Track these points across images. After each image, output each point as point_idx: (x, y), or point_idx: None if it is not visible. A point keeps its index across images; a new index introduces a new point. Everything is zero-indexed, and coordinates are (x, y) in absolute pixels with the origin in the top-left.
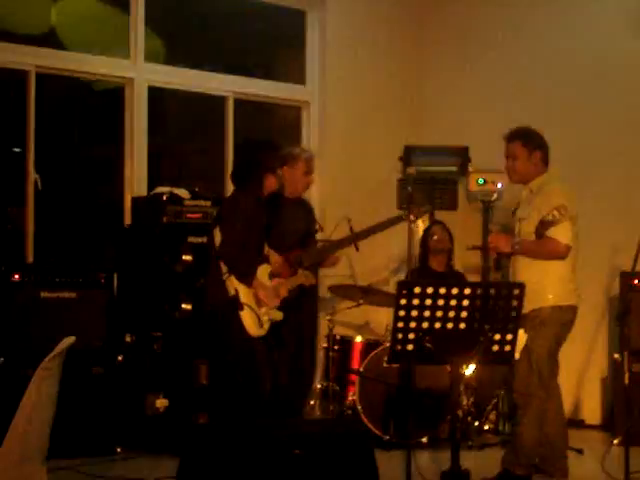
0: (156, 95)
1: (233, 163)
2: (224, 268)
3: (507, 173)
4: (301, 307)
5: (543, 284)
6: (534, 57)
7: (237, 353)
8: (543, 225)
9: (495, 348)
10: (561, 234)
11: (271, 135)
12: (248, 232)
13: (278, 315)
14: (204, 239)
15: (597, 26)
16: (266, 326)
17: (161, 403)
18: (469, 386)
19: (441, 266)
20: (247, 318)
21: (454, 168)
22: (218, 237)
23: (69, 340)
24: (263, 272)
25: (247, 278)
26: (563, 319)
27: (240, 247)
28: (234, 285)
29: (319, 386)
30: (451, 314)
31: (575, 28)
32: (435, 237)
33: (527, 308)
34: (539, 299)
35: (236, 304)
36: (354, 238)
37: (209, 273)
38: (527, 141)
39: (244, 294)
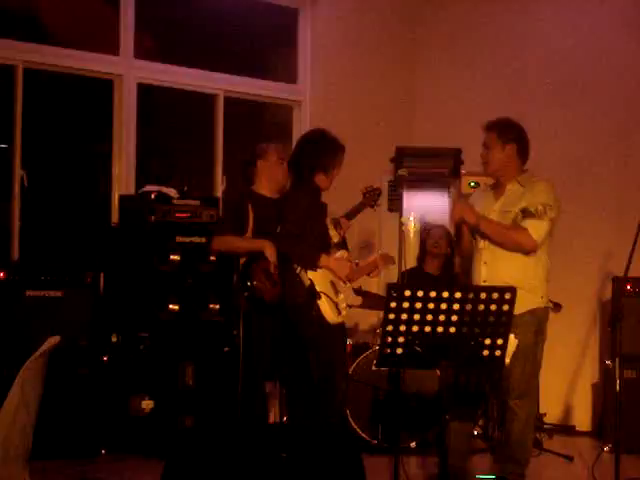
0: (146, 92)
1: (292, 153)
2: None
3: (482, 162)
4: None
5: (534, 284)
6: (527, 59)
7: (317, 347)
8: (524, 214)
9: (485, 353)
10: (535, 229)
11: (263, 133)
12: (304, 223)
13: (356, 300)
14: (193, 238)
15: (591, 27)
16: (344, 313)
17: (146, 404)
18: None
19: (436, 269)
20: (324, 305)
21: (446, 170)
22: None
23: (54, 340)
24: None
25: (313, 262)
26: (547, 320)
27: (294, 237)
28: (308, 276)
29: None
30: (441, 318)
31: (569, 30)
32: (431, 240)
33: (520, 309)
34: (533, 300)
35: (313, 293)
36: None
37: (284, 272)
38: (502, 132)
39: (318, 283)
